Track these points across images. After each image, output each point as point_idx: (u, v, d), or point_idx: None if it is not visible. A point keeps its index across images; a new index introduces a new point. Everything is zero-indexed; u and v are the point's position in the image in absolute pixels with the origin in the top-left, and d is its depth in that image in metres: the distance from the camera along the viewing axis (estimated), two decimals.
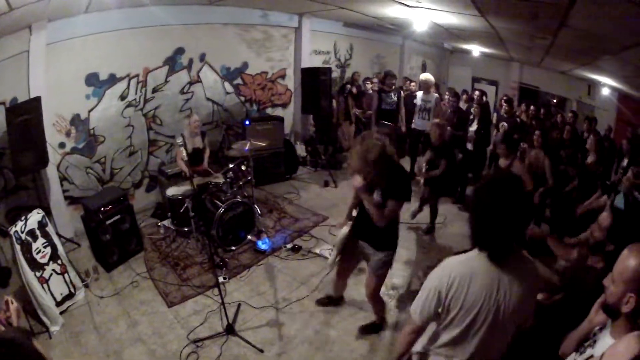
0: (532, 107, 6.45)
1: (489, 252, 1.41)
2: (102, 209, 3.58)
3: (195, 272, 3.59)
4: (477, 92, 6.79)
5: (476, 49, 9.04)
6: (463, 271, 1.44)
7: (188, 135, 4.22)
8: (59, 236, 3.52)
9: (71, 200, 4.23)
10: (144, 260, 3.79)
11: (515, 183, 1.37)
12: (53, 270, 3.11)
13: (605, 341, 1.26)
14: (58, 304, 3.07)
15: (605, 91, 8.22)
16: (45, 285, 2.99)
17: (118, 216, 3.68)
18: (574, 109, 8.25)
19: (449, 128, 5.47)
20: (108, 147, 4.45)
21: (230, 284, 3.47)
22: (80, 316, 3.11)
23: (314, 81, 5.81)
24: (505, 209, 1.32)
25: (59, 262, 3.19)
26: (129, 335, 2.91)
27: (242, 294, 3.34)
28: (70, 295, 3.20)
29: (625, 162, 4.92)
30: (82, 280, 3.41)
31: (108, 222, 3.60)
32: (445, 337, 1.54)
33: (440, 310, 1.50)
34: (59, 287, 3.12)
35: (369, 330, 3.01)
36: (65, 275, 3.21)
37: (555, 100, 10.20)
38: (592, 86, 8.85)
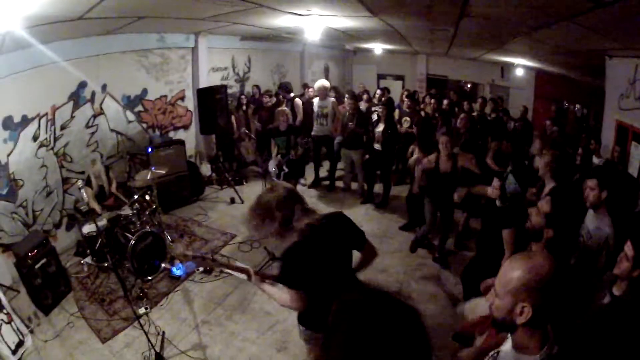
0: (433, 101, 6.65)
1: None
2: (29, 254, 3.69)
3: (121, 305, 3.77)
4: (378, 92, 7.14)
5: (379, 47, 8.99)
6: None
7: (93, 176, 4.47)
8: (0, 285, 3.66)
9: (3, 247, 4.34)
10: (74, 299, 3.95)
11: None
12: (2, 320, 3.24)
13: (508, 355, 1.24)
14: (13, 352, 3.22)
15: (520, 71, 8.41)
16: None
17: (44, 259, 3.80)
18: (484, 96, 8.41)
19: (350, 124, 5.62)
20: (27, 190, 4.50)
21: (153, 313, 3.68)
22: None
23: (210, 101, 5.82)
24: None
25: (5, 311, 3.32)
26: None
27: (165, 322, 3.57)
28: (21, 343, 3.34)
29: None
30: (27, 327, 3.56)
31: (36, 266, 3.72)
32: None
33: None
34: (10, 336, 3.26)
35: None
36: (12, 323, 3.34)
37: (469, 86, 10.27)
38: (505, 68, 9.01)
